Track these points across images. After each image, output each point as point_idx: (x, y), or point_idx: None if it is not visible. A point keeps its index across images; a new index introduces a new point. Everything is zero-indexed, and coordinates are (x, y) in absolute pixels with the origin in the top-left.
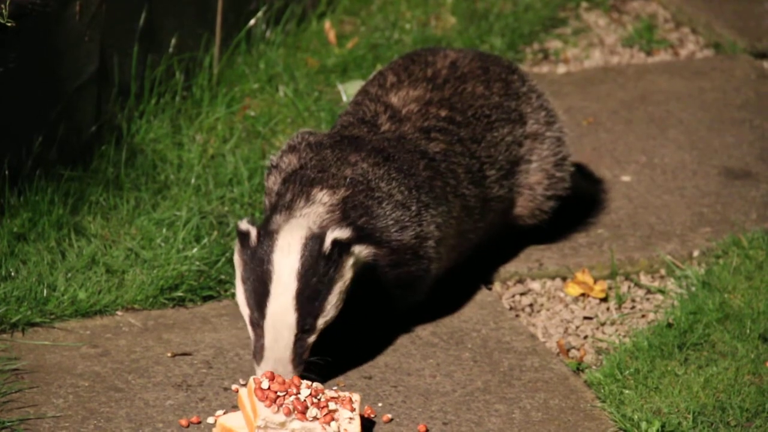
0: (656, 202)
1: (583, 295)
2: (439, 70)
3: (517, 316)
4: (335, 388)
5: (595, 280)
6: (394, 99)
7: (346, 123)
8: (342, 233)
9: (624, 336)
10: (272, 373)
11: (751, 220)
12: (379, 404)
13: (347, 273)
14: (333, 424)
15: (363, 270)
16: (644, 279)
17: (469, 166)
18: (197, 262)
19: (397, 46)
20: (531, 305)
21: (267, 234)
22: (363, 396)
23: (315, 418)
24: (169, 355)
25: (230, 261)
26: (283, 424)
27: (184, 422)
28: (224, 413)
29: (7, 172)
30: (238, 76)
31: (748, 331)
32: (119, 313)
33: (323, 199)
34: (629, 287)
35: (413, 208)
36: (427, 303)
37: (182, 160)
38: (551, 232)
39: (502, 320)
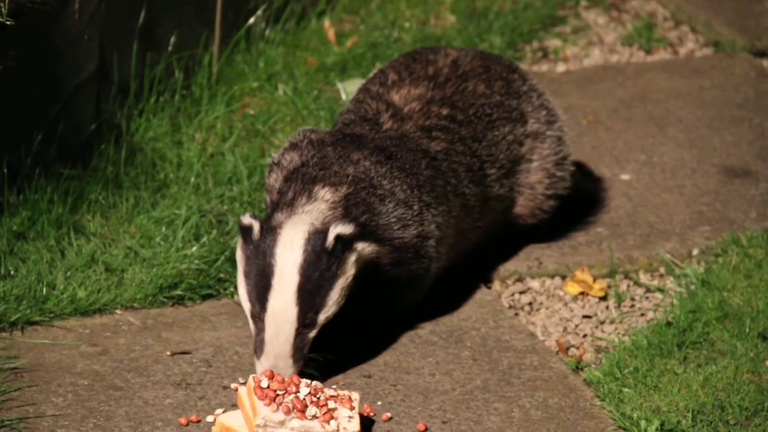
0: (655, 201)
1: (582, 293)
2: (441, 69)
3: (516, 314)
4: (334, 386)
5: (595, 279)
6: (395, 97)
7: (348, 121)
8: (345, 228)
9: (623, 334)
10: (272, 372)
11: (751, 218)
12: (379, 403)
13: (350, 269)
14: (332, 422)
15: (365, 267)
16: (643, 277)
17: (470, 165)
18: (196, 261)
19: (396, 45)
20: (530, 304)
21: (270, 229)
22: (362, 394)
23: (314, 417)
24: (168, 353)
25: (230, 259)
26: (282, 423)
27: (183, 421)
28: (223, 412)
29: (6, 171)
30: (238, 74)
31: (747, 329)
32: (118, 311)
33: (325, 196)
34: (628, 286)
35: (415, 207)
36: (427, 301)
37: (181, 158)
38: (550, 230)
39: (501, 319)
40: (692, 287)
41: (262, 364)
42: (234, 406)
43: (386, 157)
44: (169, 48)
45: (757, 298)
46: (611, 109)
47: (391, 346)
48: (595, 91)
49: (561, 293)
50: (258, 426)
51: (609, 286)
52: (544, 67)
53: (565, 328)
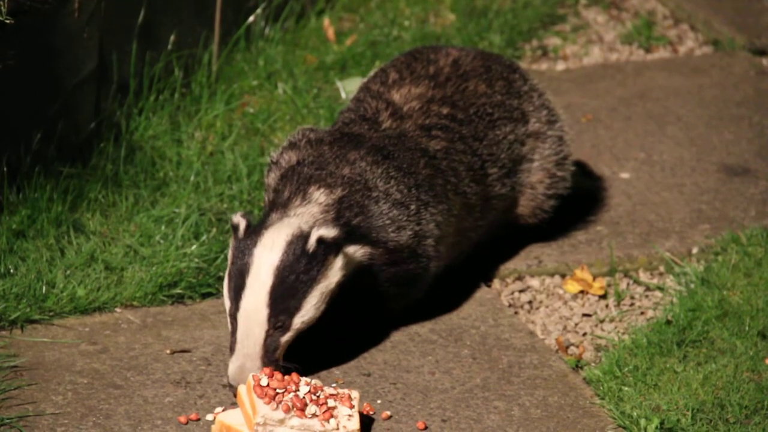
0: (655, 199)
1: (582, 292)
2: (442, 68)
3: (516, 313)
4: (334, 385)
5: (594, 277)
6: (395, 96)
7: (347, 120)
8: (328, 232)
9: (623, 333)
10: (271, 370)
11: (750, 216)
12: (378, 401)
13: (333, 275)
14: (332, 421)
15: (359, 270)
16: (643, 276)
17: (471, 164)
18: (196, 259)
19: (396, 43)
20: (530, 302)
21: (256, 229)
22: (362, 393)
23: (314, 415)
24: (168, 352)
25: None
26: (282, 421)
27: (183, 419)
28: (223, 410)
29: (6, 169)
30: (237, 73)
31: (746, 328)
32: (118, 310)
33: (319, 198)
34: (628, 284)
35: (412, 206)
36: (426, 300)
37: (181, 157)
38: (550, 229)
39: (501, 317)
40: (692, 286)
41: (231, 363)
42: (234, 404)
43: (383, 157)
44: (169, 46)
45: (756, 297)
46: (611, 107)
47: (391, 345)
48: (594, 89)
49: (561, 292)
50: (258, 424)
51: (609, 285)
52: (543, 65)
53: (564, 327)
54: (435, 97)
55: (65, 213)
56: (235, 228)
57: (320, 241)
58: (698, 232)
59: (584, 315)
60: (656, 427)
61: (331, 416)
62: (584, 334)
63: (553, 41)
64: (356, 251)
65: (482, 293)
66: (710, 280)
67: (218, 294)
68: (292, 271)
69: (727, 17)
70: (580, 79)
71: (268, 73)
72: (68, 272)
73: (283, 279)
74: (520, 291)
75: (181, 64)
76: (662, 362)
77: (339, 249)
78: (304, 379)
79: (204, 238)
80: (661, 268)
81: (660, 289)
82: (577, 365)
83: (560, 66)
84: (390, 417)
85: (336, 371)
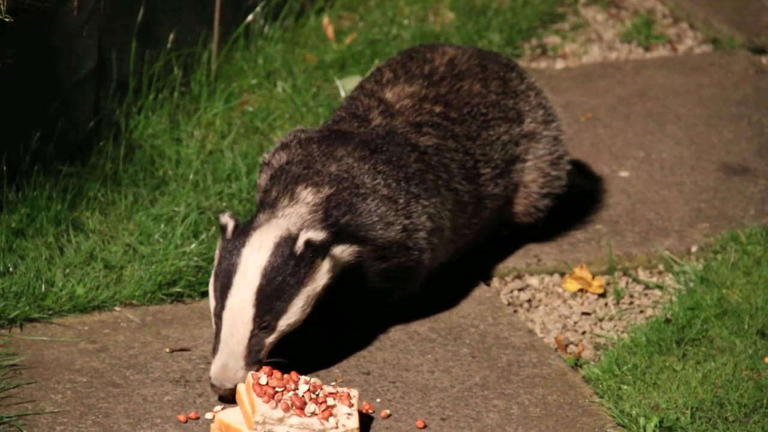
0: (654, 198)
1: (581, 290)
2: (437, 67)
3: (515, 311)
4: (333, 383)
5: (593, 276)
6: (388, 94)
7: (338, 118)
8: (316, 235)
9: (622, 331)
10: (270, 369)
11: (750, 215)
12: (378, 400)
13: (321, 278)
14: (331, 419)
15: (348, 269)
16: (642, 274)
17: (463, 163)
18: (195, 258)
19: (395, 42)
20: (529, 301)
21: (244, 230)
22: (361, 392)
23: (313, 414)
24: (167, 350)
25: None
26: (281, 420)
27: (182, 418)
28: (222, 409)
29: (5, 168)
30: (237, 71)
31: (746, 326)
32: (117, 308)
33: (307, 198)
34: (627, 283)
35: (401, 200)
36: (426, 299)
37: (180, 155)
38: (549, 227)
39: (500, 316)
40: (691, 284)
41: (214, 362)
42: (233, 403)
43: (371, 152)
44: (168, 45)
45: (755, 295)
46: (610, 106)
47: (390, 343)
48: (593, 88)
49: (560, 290)
50: (257, 423)
51: (608, 283)
52: (542, 64)
53: (564, 325)
54: (428, 95)
55: (64, 211)
56: (223, 228)
57: (308, 244)
58: (697, 230)
59: (583, 313)
60: (655, 426)
61: (331, 415)
62: (583, 333)
63: (552, 40)
64: (344, 251)
65: (481, 292)
66: (709, 279)
67: None
68: (279, 272)
69: (726, 16)
70: (580, 77)
71: (267, 71)
72: (67, 271)
73: (270, 280)
74: (520, 289)
75: (180, 62)
76: (661, 361)
77: (327, 251)
78: (303, 378)
79: (203, 236)
80: (661, 267)
81: (659, 287)
82: (577, 364)
83: (559, 64)
84: (389, 415)
85: (335, 370)
